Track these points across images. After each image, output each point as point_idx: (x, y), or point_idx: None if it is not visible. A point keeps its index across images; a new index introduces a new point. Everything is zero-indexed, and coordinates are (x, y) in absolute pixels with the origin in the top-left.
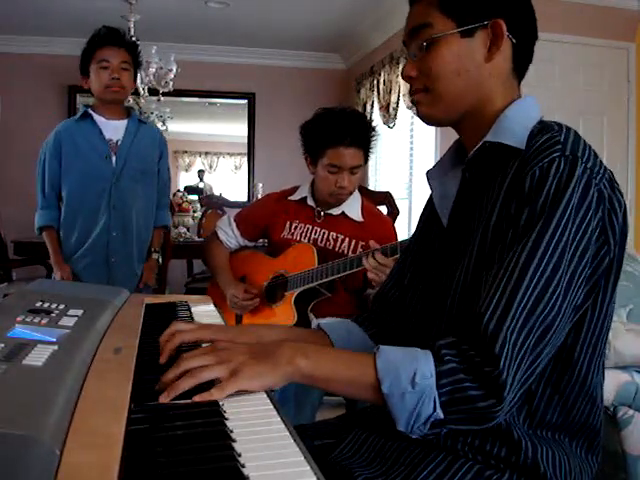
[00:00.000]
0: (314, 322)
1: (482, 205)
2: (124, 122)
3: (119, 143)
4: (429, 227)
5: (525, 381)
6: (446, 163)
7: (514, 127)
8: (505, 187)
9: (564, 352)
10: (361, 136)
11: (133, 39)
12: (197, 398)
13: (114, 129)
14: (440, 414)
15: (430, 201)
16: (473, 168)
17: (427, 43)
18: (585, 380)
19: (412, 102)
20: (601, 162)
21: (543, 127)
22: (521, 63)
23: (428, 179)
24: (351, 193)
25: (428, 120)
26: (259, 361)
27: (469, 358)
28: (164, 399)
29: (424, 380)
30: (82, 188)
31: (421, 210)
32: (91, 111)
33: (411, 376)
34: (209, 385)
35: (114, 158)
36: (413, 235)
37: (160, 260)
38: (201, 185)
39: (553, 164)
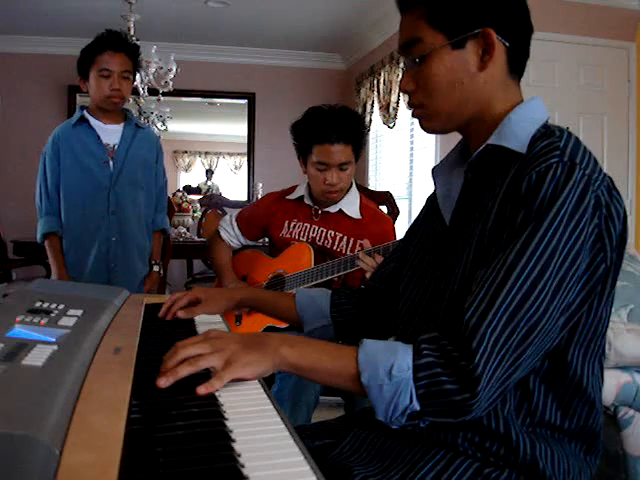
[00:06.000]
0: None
1: (482, 207)
2: (121, 126)
3: (116, 148)
4: (430, 226)
5: (506, 379)
6: (451, 161)
7: (517, 130)
8: (504, 190)
9: (558, 354)
10: (348, 132)
11: (135, 41)
12: (202, 390)
13: (111, 133)
14: (416, 406)
15: (431, 201)
16: (475, 170)
17: (420, 59)
18: (581, 381)
19: (413, 115)
20: (600, 169)
21: (545, 132)
22: (518, 62)
23: (433, 176)
24: (342, 190)
25: (432, 132)
26: (250, 350)
27: (447, 352)
28: (163, 383)
29: (400, 373)
30: (80, 194)
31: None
32: (88, 115)
33: (388, 369)
34: (204, 374)
35: (111, 163)
36: (410, 231)
37: (161, 272)
38: (209, 183)
39: (550, 169)
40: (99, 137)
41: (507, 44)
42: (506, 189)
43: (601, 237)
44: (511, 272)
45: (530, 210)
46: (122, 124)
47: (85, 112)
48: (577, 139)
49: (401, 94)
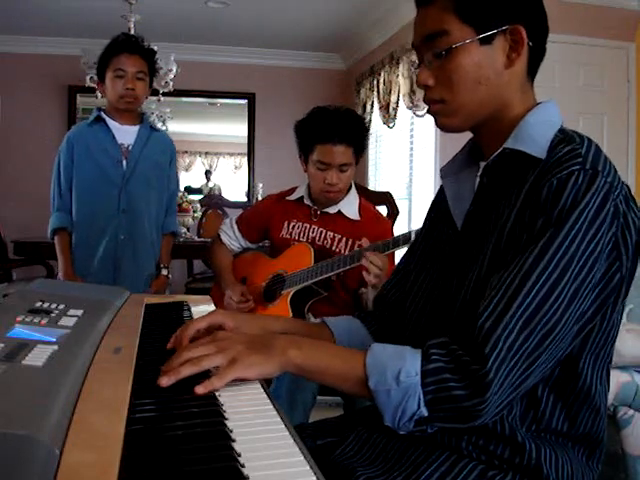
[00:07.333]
0: (312, 321)
1: (498, 212)
2: (136, 127)
3: (130, 148)
4: (438, 229)
5: (518, 385)
6: (460, 162)
7: (535, 135)
8: (522, 195)
9: (569, 361)
10: (351, 134)
11: (152, 47)
12: (200, 389)
13: (126, 134)
14: (424, 412)
15: (438, 202)
16: (491, 174)
17: (445, 52)
18: (590, 389)
19: (429, 112)
20: (620, 177)
21: (565, 137)
22: (535, 64)
23: (442, 177)
24: (341, 191)
25: (448, 130)
26: (255, 351)
27: (457, 357)
28: (165, 382)
29: (408, 378)
30: (92, 191)
31: (422, 210)
32: (104, 115)
33: (396, 374)
34: (207, 377)
35: (124, 162)
36: (417, 238)
37: (170, 276)
38: (210, 185)
39: (572, 176)
40: (114, 136)
41: (530, 44)
42: (525, 195)
43: (617, 246)
44: (528, 277)
45: (550, 216)
46: (138, 125)
47: (102, 113)
48: (597, 146)
49: (401, 95)
